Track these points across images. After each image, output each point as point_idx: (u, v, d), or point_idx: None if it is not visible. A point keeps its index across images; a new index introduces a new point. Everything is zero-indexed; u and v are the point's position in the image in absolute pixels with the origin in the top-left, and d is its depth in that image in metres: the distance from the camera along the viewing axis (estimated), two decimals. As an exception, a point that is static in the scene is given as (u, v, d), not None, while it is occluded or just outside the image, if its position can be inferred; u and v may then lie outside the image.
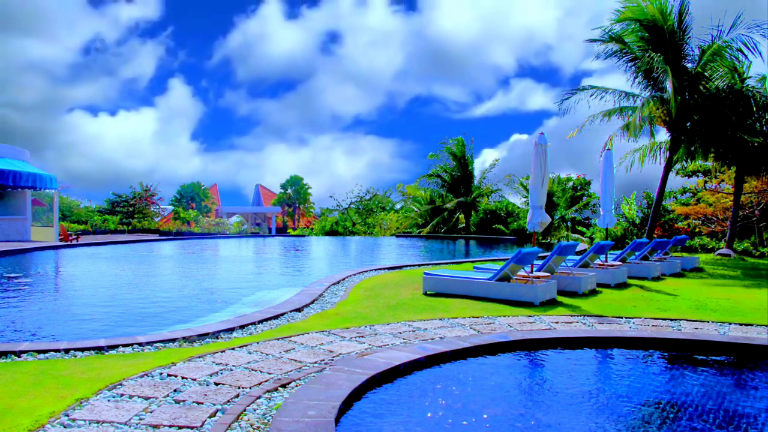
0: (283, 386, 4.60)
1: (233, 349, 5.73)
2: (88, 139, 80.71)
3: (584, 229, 32.61)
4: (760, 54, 16.39)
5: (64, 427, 3.68)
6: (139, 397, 4.26)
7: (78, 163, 78.44)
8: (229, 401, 4.20)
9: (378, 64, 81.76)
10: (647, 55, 17.20)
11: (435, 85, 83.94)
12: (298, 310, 8.06)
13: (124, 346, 5.84)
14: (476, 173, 38.82)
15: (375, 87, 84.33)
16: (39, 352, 5.55)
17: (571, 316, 7.95)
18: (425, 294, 9.69)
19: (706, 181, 26.00)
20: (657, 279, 12.70)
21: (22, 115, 76.00)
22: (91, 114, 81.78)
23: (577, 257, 12.43)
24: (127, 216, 45.51)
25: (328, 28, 79.07)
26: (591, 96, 18.45)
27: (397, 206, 50.73)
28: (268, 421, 3.85)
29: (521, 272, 9.88)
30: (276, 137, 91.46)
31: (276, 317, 7.49)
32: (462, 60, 79.18)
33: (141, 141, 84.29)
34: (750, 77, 18.71)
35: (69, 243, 25.00)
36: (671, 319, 7.72)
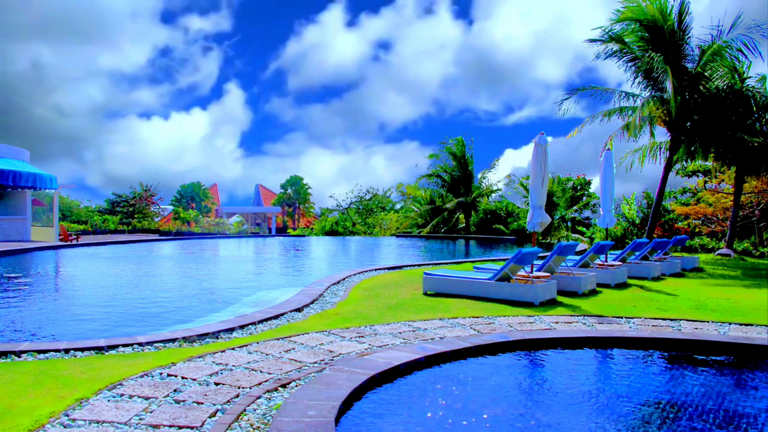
0: (283, 386, 4.60)
1: (233, 349, 5.73)
2: (137, 143, 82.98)
3: (584, 229, 32.62)
4: (760, 54, 16.40)
5: (64, 427, 3.68)
6: (139, 397, 4.26)
7: (122, 167, 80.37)
8: (229, 401, 4.20)
9: (426, 73, 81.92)
10: (647, 55, 17.20)
11: (477, 94, 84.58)
12: (298, 310, 8.06)
13: (124, 346, 5.84)
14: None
15: (422, 95, 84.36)
16: (39, 352, 5.55)
17: (571, 316, 7.95)
18: (425, 294, 9.69)
19: (706, 181, 26.01)
20: (657, 279, 12.70)
21: (73, 119, 78.28)
22: (144, 118, 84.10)
23: (577, 257, 12.43)
24: (127, 216, 45.53)
25: (381, 35, 79.84)
26: (591, 96, 18.47)
27: (397, 206, 50.76)
28: (268, 421, 3.85)
29: (521, 272, 9.88)
30: (318, 143, 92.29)
31: (276, 317, 7.49)
32: (508, 72, 79.40)
33: (189, 145, 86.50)
34: (750, 77, 18.72)
35: (69, 243, 25.00)
36: (671, 319, 7.72)
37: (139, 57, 77.82)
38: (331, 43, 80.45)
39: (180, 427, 3.69)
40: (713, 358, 6.13)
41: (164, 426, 3.70)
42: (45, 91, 72.95)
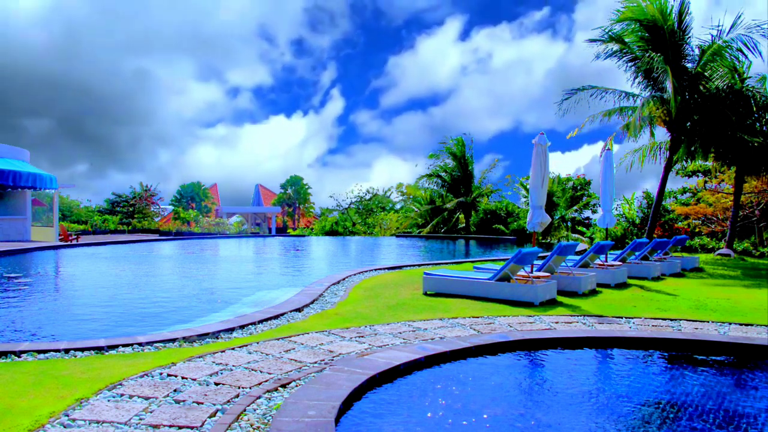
0: (283, 386, 4.60)
1: (233, 349, 5.73)
2: (230, 145, 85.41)
3: (584, 229, 32.62)
4: (760, 54, 16.41)
5: (64, 427, 3.68)
6: (139, 397, 4.26)
7: (209, 172, 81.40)
8: (229, 401, 4.20)
9: (516, 89, 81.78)
10: (647, 55, 17.20)
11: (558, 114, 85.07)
12: (298, 310, 8.06)
13: (124, 346, 5.84)
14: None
15: (507, 110, 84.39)
16: (39, 352, 5.55)
17: (571, 316, 7.95)
18: (425, 294, 9.69)
19: (706, 181, 26.01)
20: (657, 279, 12.70)
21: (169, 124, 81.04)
22: (236, 125, 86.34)
23: (577, 257, 12.43)
24: (127, 216, 45.54)
25: (482, 51, 79.61)
26: (591, 96, 18.46)
27: (397, 206, 50.76)
28: (268, 421, 3.85)
29: (521, 272, 9.88)
30: (397, 154, 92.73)
31: (276, 317, 7.49)
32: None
33: (277, 151, 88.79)
34: (750, 77, 18.72)
35: (69, 243, 25.00)
36: (671, 319, 7.72)
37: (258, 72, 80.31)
38: (435, 55, 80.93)
39: (180, 427, 3.69)
40: (713, 358, 6.13)
41: (164, 426, 3.70)
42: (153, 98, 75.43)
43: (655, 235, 22.06)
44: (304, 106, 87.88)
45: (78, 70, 70.61)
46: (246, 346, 5.86)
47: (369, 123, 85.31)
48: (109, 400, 4.17)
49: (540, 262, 10.40)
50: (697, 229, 26.24)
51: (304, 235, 40.74)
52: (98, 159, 79.29)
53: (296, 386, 4.60)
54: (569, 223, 35.76)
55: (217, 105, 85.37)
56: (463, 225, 38.31)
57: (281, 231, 53.09)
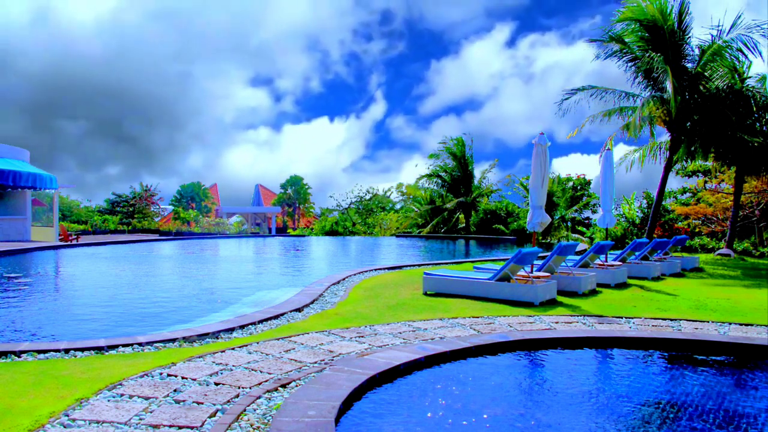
0: (283, 386, 4.60)
1: (233, 349, 5.73)
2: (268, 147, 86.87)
3: (584, 229, 32.62)
4: (760, 54, 16.41)
5: (64, 427, 3.68)
6: (139, 397, 4.26)
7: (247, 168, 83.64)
8: (229, 401, 4.20)
9: (552, 96, 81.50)
10: (647, 55, 17.20)
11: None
12: (298, 310, 8.06)
13: (124, 346, 5.84)
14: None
15: (544, 117, 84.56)
16: (39, 352, 5.55)
17: (571, 316, 7.95)
18: (425, 294, 9.69)
19: (706, 181, 26.01)
20: (657, 279, 12.70)
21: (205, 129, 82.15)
22: (275, 130, 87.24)
23: (577, 257, 12.43)
24: (127, 216, 45.54)
25: (525, 57, 79.28)
26: (591, 96, 18.46)
27: (397, 206, 50.75)
28: (268, 421, 3.85)
29: (521, 272, 9.88)
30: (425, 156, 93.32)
31: (276, 317, 7.49)
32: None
33: (315, 154, 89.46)
34: (750, 77, 18.73)
35: (69, 243, 25.00)
36: (671, 319, 7.72)
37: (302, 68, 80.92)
38: (477, 61, 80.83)
39: (180, 427, 3.69)
40: (713, 358, 6.13)
41: (164, 426, 3.70)
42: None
43: (655, 235, 22.06)
44: (347, 110, 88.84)
45: (121, 73, 72.45)
46: (246, 346, 5.86)
47: (405, 128, 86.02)
48: (109, 400, 4.17)
49: (540, 262, 10.40)
50: (697, 229, 26.24)
51: (304, 235, 40.75)
52: (133, 161, 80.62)
53: (296, 386, 4.60)
54: (569, 223, 35.76)
55: (259, 109, 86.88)
56: (463, 225, 38.32)
57: (281, 231, 53.08)
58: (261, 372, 4.96)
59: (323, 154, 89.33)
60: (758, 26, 16.05)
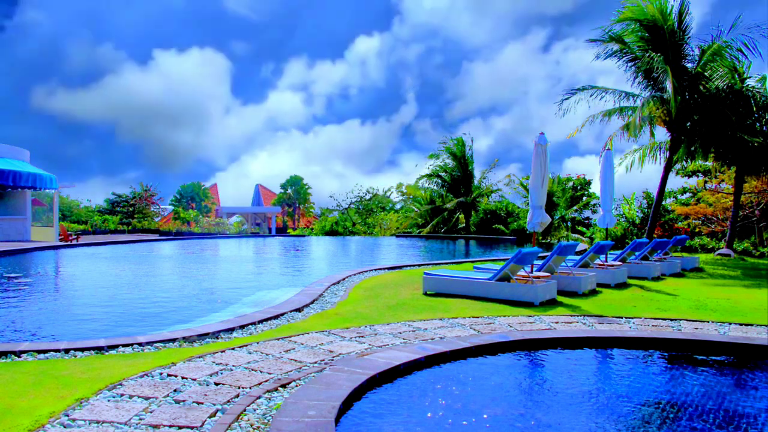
0: (283, 386, 4.60)
1: (233, 349, 5.73)
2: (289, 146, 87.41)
3: (584, 229, 32.62)
4: (760, 54, 16.42)
5: (64, 427, 3.68)
6: (139, 397, 4.26)
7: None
8: (229, 401, 4.20)
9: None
10: (647, 55, 17.20)
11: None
12: (298, 310, 8.06)
13: (124, 346, 5.84)
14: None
15: (574, 123, 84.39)
16: (39, 352, 5.55)
17: (571, 316, 7.95)
18: (425, 294, 9.69)
19: (706, 181, 26.01)
20: (657, 279, 12.70)
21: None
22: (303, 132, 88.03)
23: (577, 257, 12.43)
24: (127, 216, 45.52)
25: (557, 62, 78.45)
26: (591, 96, 18.46)
27: (397, 206, 50.73)
28: (268, 421, 3.85)
29: (521, 272, 9.88)
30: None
31: (276, 317, 7.49)
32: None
33: (342, 156, 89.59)
34: (750, 77, 18.72)
35: (69, 243, 25.00)
36: (671, 319, 7.72)
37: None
38: (508, 66, 79.99)
39: (180, 427, 3.69)
40: (713, 358, 6.13)
41: (164, 426, 3.70)
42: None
43: (655, 235, 22.06)
44: (379, 112, 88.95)
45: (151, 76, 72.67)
46: (246, 346, 5.86)
47: (430, 131, 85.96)
48: (109, 400, 4.17)
49: (540, 262, 10.40)
50: (697, 229, 26.24)
51: (304, 235, 40.74)
52: (157, 163, 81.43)
53: (296, 386, 4.60)
54: (569, 223, 35.75)
55: (292, 112, 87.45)
56: (463, 225, 38.31)
57: (281, 231, 53.07)
58: (261, 372, 4.96)
59: (348, 156, 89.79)
60: (758, 26, 16.07)
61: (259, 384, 4.63)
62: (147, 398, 4.23)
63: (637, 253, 13.67)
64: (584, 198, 37.15)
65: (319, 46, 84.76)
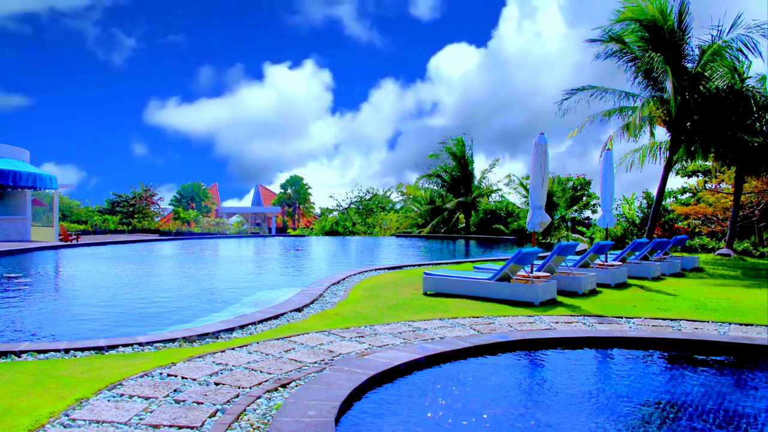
0: (283, 386, 4.60)
1: (233, 349, 5.73)
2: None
3: (584, 229, 32.62)
4: (760, 54, 16.40)
5: (64, 427, 3.68)
6: (139, 397, 4.26)
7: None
8: (229, 401, 4.20)
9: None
10: (647, 55, 17.19)
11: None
12: (298, 310, 8.06)
13: (124, 346, 5.84)
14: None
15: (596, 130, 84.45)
16: (39, 352, 5.55)
17: (571, 316, 7.95)
18: (425, 294, 9.69)
19: (706, 181, 26.01)
20: (657, 279, 12.70)
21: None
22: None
23: (577, 257, 12.43)
24: (127, 216, 45.53)
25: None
26: (591, 96, 18.46)
27: (397, 206, 50.72)
28: (268, 421, 3.85)
29: (521, 272, 9.88)
30: None
31: (276, 317, 7.49)
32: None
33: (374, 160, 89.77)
34: (750, 77, 18.71)
35: (69, 243, 25.00)
36: (671, 319, 7.72)
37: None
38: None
39: (180, 427, 3.69)
40: (713, 358, 6.13)
41: (164, 426, 3.70)
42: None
43: (655, 235, 22.05)
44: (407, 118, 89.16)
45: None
46: (246, 346, 5.86)
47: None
48: (109, 400, 4.17)
49: (540, 262, 10.40)
50: (697, 229, 26.24)
51: (304, 235, 40.74)
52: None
53: (296, 386, 4.60)
54: (569, 223, 35.75)
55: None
56: (463, 225, 38.30)
57: (281, 231, 53.06)
58: (261, 372, 4.96)
59: (381, 162, 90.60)
60: (758, 26, 16.05)
61: (259, 384, 4.63)
62: (147, 398, 4.23)
63: (637, 253, 13.67)
64: (584, 198, 37.15)
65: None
